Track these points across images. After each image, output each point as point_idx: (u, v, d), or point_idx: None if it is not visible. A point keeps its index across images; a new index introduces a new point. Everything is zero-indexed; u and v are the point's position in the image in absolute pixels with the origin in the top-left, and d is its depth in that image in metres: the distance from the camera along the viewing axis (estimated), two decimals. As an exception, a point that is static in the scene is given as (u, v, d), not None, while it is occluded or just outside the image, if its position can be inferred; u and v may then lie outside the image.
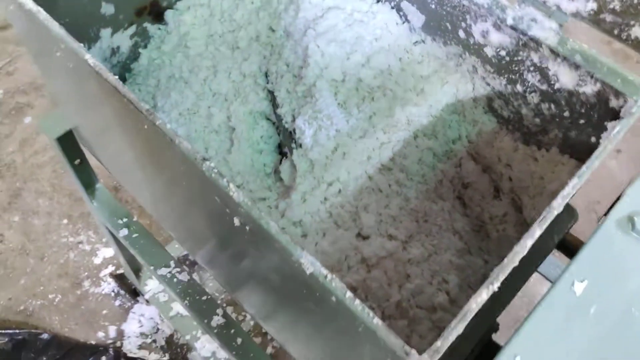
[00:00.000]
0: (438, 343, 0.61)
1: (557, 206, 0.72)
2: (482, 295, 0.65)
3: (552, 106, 0.95)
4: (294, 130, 1.06)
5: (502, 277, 0.67)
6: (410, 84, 1.06)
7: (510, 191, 1.08)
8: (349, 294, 0.64)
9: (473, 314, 0.64)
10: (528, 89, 0.96)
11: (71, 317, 2.05)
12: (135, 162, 1.02)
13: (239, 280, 1.03)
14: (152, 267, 1.52)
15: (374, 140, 1.03)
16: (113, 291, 2.09)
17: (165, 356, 2.01)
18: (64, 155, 1.37)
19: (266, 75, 1.15)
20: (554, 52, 0.87)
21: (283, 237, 0.67)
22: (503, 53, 0.96)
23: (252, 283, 0.96)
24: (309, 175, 1.01)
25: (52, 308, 2.06)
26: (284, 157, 1.11)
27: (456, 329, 0.63)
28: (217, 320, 1.44)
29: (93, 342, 2.00)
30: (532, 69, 0.93)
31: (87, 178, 1.51)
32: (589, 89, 0.87)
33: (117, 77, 1.27)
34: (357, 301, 0.63)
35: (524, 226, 1.06)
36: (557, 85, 0.91)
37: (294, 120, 1.07)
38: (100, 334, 2.02)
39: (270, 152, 1.14)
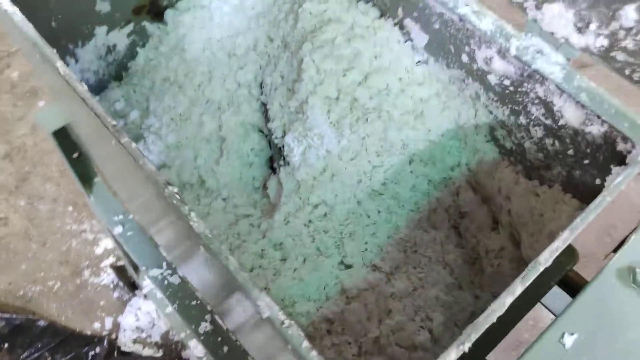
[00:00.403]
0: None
1: (543, 261, 0.67)
2: (451, 356, 0.60)
3: (556, 142, 0.88)
4: (283, 146, 1.01)
5: (474, 337, 0.62)
6: (409, 106, 1.00)
7: (509, 225, 1.02)
8: (305, 343, 0.59)
9: (438, 376, 0.59)
10: (532, 122, 0.90)
11: (69, 305, 2.05)
12: (114, 169, 0.99)
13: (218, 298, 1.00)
14: (143, 268, 1.50)
15: (366, 163, 0.98)
16: (112, 282, 2.09)
17: (159, 352, 2.00)
18: (61, 149, 1.35)
19: (261, 86, 1.10)
20: (560, 88, 0.81)
21: (241, 275, 0.63)
22: (507, 82, 0.90)
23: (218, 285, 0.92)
24: (295, 195, 0.97)
25: (51, 295, 2.06)
26: (274, 173, 1.07)
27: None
28: (204, 326, 1.41)
29: (88, 333, 2.00)
30: (536, 102, 0.87)
31: (84, 172, 1.48)
32: (596, 129, 0.80)
33: (110, 74, 1.24)
34: (314, 352, 0.59)
35: (521, 263, 1.00)
36: (561, 122, 0.85)
37: (284, 135, 1.02)
38: (96, 325, 2.02)
39: (260, 165, 1.09)
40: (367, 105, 0.99)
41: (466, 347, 0.61)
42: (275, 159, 1.06)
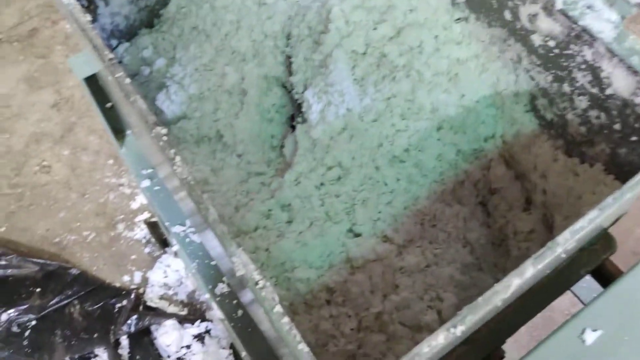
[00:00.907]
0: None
1: (562, 242, 0.58)
2: (439, 339, 0.53)
3: (602, 115, 0.78)
4: (303, 102, 0.94)
5: (470, 320, 0.54)
6: (443, 66, 0.91)
7: (542, 205, 0.93)
8: (278, 308, 0.53)
9: (422, 359, 0.52)
10: (576, 91, 0.80)
11: (101, 256, 2.07)
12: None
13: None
14: (167, 223, 1.48)
15: (389, 126, 0.90)
16: (144, 238, 2.09)
17: (183, 310, 1.99)
18: (93, 98, 1.33)
19: (288, 37, 1.04)
20: (610, 50, 0.70)
21: (219, 227, 0.57)
22: (552, 44, 0.80)
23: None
24: (309, 155, 0.91)
25: (85, 245, 2.09)
26: (293, 130, 1.00)
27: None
28: (221, 287, 1.38)
29: (117, 285, 2.01)
30: (583, 67, 0.77)
31: (116, 123, 1.46)
32: (648, 100, 0.70)
33: (142, 20, 1.21)
34: (286, 319, 0.53)
35: (552, 249, 0.90)
36: (609, 91, 0.74)
37: (305, 91, 0.95)
38: (126, 278, 2.03)
39: (280, 123, 1.03)
40: (396, 62, 0.90)
41: (458, 330, 0.53)
42: (295, 115, 1.00)
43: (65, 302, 1.92)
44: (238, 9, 1.09)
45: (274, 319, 0.53)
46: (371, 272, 0.82)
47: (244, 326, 1.34)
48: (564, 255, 0.77)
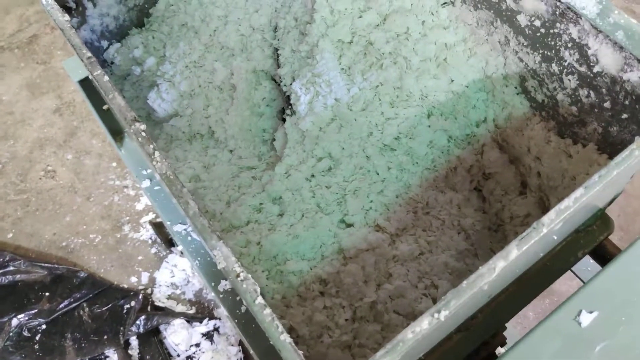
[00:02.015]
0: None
1: (547, 222, 0.57)
2: (423, 324, 0.52)
3: (592, 93, 0.76)
4: (291, 94, 0.94)
5: (454, 305, 0.53)
6: (431, 52, 0.90)
7: (537, 189, 0.91)
8: (259, 299, 0.53)
9: (406, 345, 0.51)
10: (565, 70, 0.79)
11: (108, 258, 2.08)
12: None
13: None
14: (168, 222, 1.48)
15: (378, 114, 0.89)
16: (150, 238, 2.10)
17: (191, 309, 2.00)
18: (89, 100, 1.34)
19: (275, 30, 1.03)
20: (595, 27, 0.69)
21: (199, 221, 0.57)
22: (538, 23, 0.78)
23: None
24: (299, 147, 0.90)
25: (92, 248, 2.10)
26: (284, 124, 1.00)
27: (379, 361, 0.50)
28: (224, 284, 1.38)
29: (125, 286, 2.02)
30: (570, 45, 0.75)
31: (114, 125, 1.47)
32: (635, 76, 0.68)
33: (132, 20, 1.20)
34: (268, 310, 0.52)
35: (549, 232, 0.89)
36: (597, 68, 0.73)
37: (292, 83, 0.95)
38: (133, 279, 2.04)
39: (271, 116, 1.03)
40: (383, 50, 0.89)
41: (442, 315, 0.52)
42: (285, 108, 0.99)
43: (74, 305, 1.93)
44: (226, 4, 1.09)
45: (256, 311, 0.52)
46: (364, 262, 0.81)
47: (248, 322, 1.34)
48: (555, 237, 0.76)
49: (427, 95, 0.90)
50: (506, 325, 0.97)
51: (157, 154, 0.61)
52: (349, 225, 0.85)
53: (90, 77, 0.69)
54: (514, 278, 0.77)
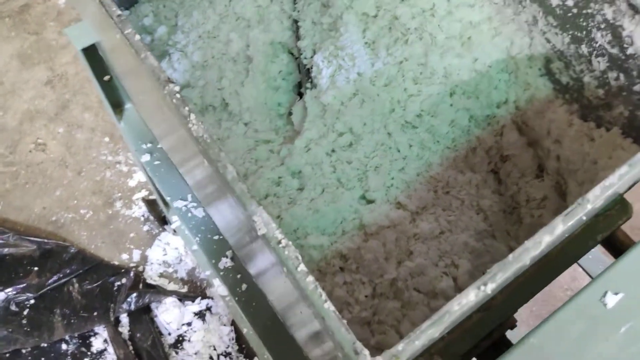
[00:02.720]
0: (399, 347, 0.49)
1: (592, 199, 0.57)
2: (469, 297, 0.51)
3: (622, 76, 0.76)
4: (312, 67, 0.92)
5: (500, 278, 0.53)
6: (456, 30, 0.89)
7: (555, 172, 0.91)
8: (302, 267, 0.52)
9: (453, 317, 0.51)
10: (595, 52, 0.78)
11: (99, 234, 2.05)
12: (127, 75, 0.93)
13: (227, 225, 0.93)
14: (168, 198, 1.46)
15: (401, 90, 0.88)
16: (143, 216, 2.07)
17: (184, 288, 1.98)
18: (91, 69, 1.30)
19: (294, 1, 1.01)
20: (632, 7, 0.68)
21: (238, 185, 0.55)
22: (570, 3, 0.77)
23: (239, 234, 0.86)
24: (319, 121, 0.88)
25: (83, 223, 2.06)
26: (300, 98, 0.98)
27: (427, 332, 0.50)
28: (225, 262, 1.37)
29: (116, 263, 2.00)
30: (603, 26, 0.75)
31: (115, 96, 1.43)
32: (671, 58, 0.68)
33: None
34: (311, 278, 0.51)
35: (565, 216, 0.89)
36: (630, 50, 0.73)
37: (314, 56, 0.93)
38: (125, 256, 2.02)
39: (287, 90, 1.01)
40: (409, 25, 0.88)
41: (489, 288, 0.52)
42: (302, 82, 0.98)
43: (64, 280, 1.90)
44: (242, -26, 1.06)
45: (299, 278, 0.51)
46: (385, 239, 0.81)
47: (248, 300, 1.32)
48: (584, 218, 0.76)
49: (451, 74, 0.89)
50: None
51: (192, 116, 0.59)
52: (370, 202, 0.85)
53: (117, 36, 0.67)
54: (536, 259, 0.77)
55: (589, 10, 0.75)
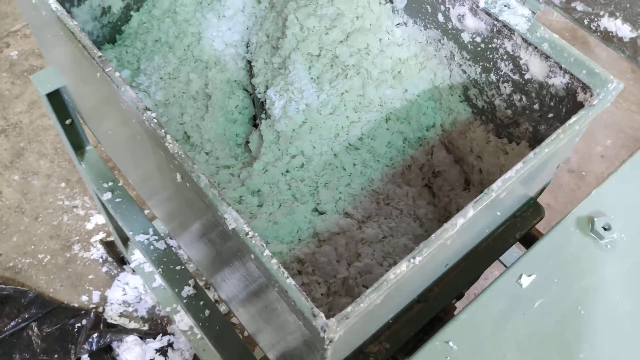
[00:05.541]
0: (348, 309, 0.60)
1: (496, 188, 0.70)
2: (402, 267, 0.64)
3: (524, 98, 0.92)
4: (266, 100, 1.05)
5: (426, 252, 0.65)
6: (388, 65, 1.04)
7: (479, 183, 1.06)
8: (267, 252, 0.63)
9: (390, 284, 0.62)
10: (501, 79, 0.94)
11: (57, 278, 2.07)
12: (100, 113, 1.03)
13: (191, 243, 1.03)
14: (130, 233, 1.53)
15: (344, 118, 1.02)
16: (101, 257, 2.11)
17: (144, 326, 2.02)
18: (54, 113, 1.39)
19: (247, 45, 1.15)
20: (525, 40, 0.85)
21: (211, 191, 0.66)
22: (478, 39, 0.94)
23: (207, 250, 0.95)
24: (274, 146, 1.01)
25: (40, 268, 2.09)
26: (256, 128, 1.10)
27: (370, 297, 0.61)
28: (187, 290, 1.44)
29: (76, 305, 2.02)
30: (505, 57, 0.91)
31: (76, 139, 1.52)
32: (558, 80, 0.85)
33: (104, 36, 1.28)
34: (274, 260, 0.62)
35: (491, 220, 1.04)
36: (527, 76, 0.89)
37: (266, 90, 1.06)
38: (84, 298, 2.05)
39: (243, 123, 1.13)
40: (347, 62, 1.03)
41: (417, 260, 0.64)
42: (257, 114, 1.10)
43: (23, 325, 1.92)
44: (199, 22, 1.20)
45: (265, 261, 0.62)
46: (336, 244, 0.92)
47: (212, 325, 1.41)
48: (498, 213, 0.91)
49: (385, 102, 1.03)
50: (456, 305, 1.11)
51: (168, 136, 0.71)
52: (322, 213, 0.97)
53: (99, 74, 0.78)
54: (466, 251, 0.91)
55: (493, 45, 0.92)
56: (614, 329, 0.81)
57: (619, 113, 2.50)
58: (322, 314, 0.59)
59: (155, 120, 0.72)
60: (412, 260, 0.64)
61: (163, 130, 0.71)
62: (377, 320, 0.79)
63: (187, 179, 0.71)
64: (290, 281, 0.61)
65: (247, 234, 0.64)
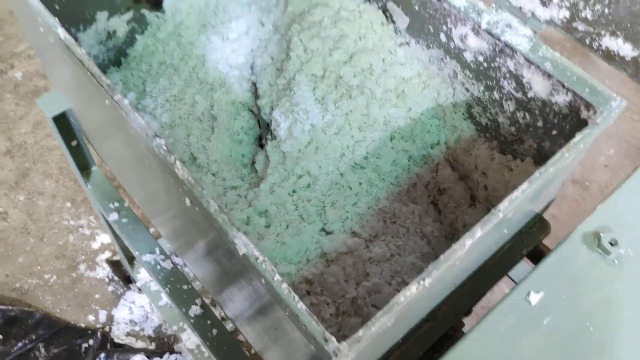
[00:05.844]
0: (359, 332, 0.61)
1: (502, 209, 0.71)
2: (412, 290, 0.64)
3: (527, 115, 0.93)
4: (271, 121, 1.06)
5: (435, 274, 0.66)
6: (391, 85, 1.05)
7: (485, 200, 1.07)
8: (277, 277, 0.63)
9: (400, 307, 0.63)
10: (504, 97, 0.95)
11: (64, 298, 2.08)
12: (106, 135, 1.04)
13: (197, 262, 1.03)
14: (137, 253, 1.54)
15: (349, 137, 1.03)
16: (107, 277, 2.12)
17: (151, 345, 2.02)
18: (60, 135, 1.40)
19: (252, 67, 1.16)
20: (528, 59, 0.86)
21: (221, 216, 0.67)
22: (481, 58, 0.95)
23: (213, 269, 0.96)
24: (280, 167, 1.02)
25: (47, 288, 2.09)
26: (262, 149, 1.11)
27: (380, 320, 0.62)
28: (194, 310, 1.44)
29: (82, 325, 2.03)
30: (507, 75, 0.92)
31: (82, 160, 1.53)
32: (561, 98, 0.85)
33: (110, 59, 1.30)
34: (285, 285, 0.63)
35: (497, 237, 1.04)
36: (530, 94, 0.90)
37: (272, 112, 1.07)
38: (91, 318, 2.05)
39: (249, 143, 1.14)
40: (351, 83, 1.04)
41: (427, 282, 0.65)
42: (263, 135, 1.11)
43: (30, 346, 1.92)
44: (203, 45, 1.21)
45: (275, 286, 0.63)
46: (344, 264, 0.93)
47: (220, 344, 1.41)
48: (505, 231, 0.91)
49: (390, 122, 1.04)
50: (464, 322, 1.11)
51: (178, 163, 0.72)
52: (329, 233, 0.97)
53: (107, 101, 0.79)
54: (474, 269, 0.91)
55: (496, 64, 0.93)
56: (623, 345, 0.82)
57: (622, 122, 2.51)
58: (334, 339, 0.60)
59: (164, 148, 0.73)
60: (421, 282, 0.64)
61: (173, 157, 0.72)
62: (387, 341, 0.79)
63: (196, 204, 0.72)
64: (302, 306, 0.61)
65: (257, 258, 0.65)
